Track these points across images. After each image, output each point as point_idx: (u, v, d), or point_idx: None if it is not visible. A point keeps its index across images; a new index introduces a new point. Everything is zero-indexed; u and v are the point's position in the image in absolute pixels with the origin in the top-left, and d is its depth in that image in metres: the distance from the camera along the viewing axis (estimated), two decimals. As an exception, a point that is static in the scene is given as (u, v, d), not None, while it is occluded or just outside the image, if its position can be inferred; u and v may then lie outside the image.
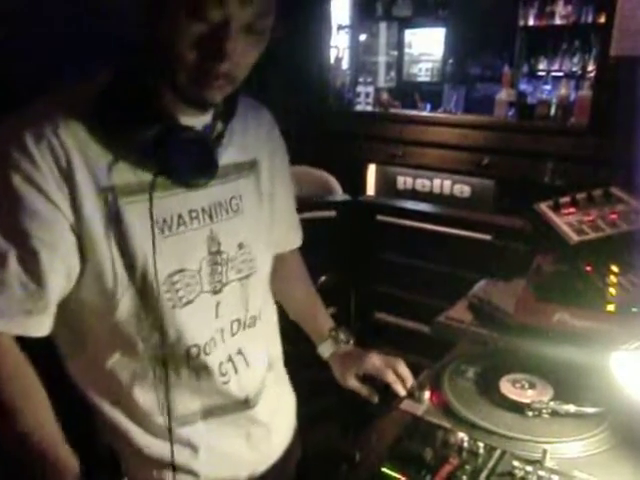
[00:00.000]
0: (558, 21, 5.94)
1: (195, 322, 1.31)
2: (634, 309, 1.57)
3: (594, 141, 3.96)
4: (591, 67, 5.68)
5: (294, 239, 1.73)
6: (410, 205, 3.94)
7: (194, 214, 1.29)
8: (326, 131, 5.10)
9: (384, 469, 1.26)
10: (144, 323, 1.27)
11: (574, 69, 5.97)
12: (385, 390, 1.58)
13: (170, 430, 1.33)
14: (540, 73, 6.18)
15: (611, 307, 1.59)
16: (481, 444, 1.31)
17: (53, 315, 1.22)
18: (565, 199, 1.97)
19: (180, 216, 1.27)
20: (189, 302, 1.29)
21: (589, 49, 5.82)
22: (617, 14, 3.79)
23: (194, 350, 1.32)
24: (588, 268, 1.70)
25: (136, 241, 1.21)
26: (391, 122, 5.25)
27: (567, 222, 1.84)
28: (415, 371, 1.64)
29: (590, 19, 5.71)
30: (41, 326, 1.21)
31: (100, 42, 2.02)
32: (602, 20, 4.81)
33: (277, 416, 1.57)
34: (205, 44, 1.11)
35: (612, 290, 1.62)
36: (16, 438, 1.21)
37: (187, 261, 1.29)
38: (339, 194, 3.89)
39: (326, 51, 5.60)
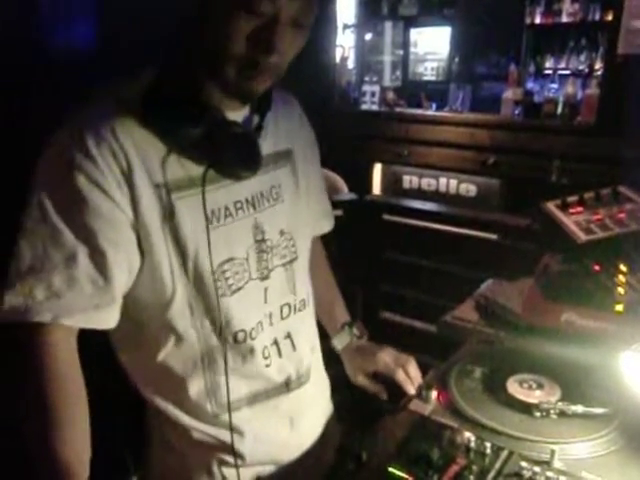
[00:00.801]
0: (565, 19, 5.91)
1: (243, 308, 1.38)
2: (643, 309, 1.56)
3: (601, 140, 3.93)
4: (598, 65, 5.65)
5: (325, 224, 1.79)
6: (416, 204, 3.95)
7: (239, 205, 1.37)
8: (332, 130, 5.09)
9: (391, 469, 1.26)
10: (195, 313, 1.34)
11: (581, 67, 5.94)
12: (395, 388, 1.58)
13: (229, 411, 1.39)
14: (547, 71, 6.15)
15: (619, 307, 1.58)
16: (488, 444, 1.30)
17: (119, 308, 1.29)
18: (573, 198, 1.96)
19: (226, 207, 1.34)
20: (239, 289, 1.37)
21: (596, 47, 5.79)
22: (625, 11, 3.77)
23: (241, 335, 1.38)
24: (596, 267, 1.70)
25: (188, 234, 1.28)
26: (397, 121, 5.23)
27: (575, 221, 1.83)
28: (422, 371, 1.64)
29: (597, 17, 5.68)
30: (109, 319, 1.28)
31: (142, 40, 2.04)
32: (609, 18, 4.78)
33: (317, 399, 1.64)
34: (256, 38, 1.18)
35: (620, 290, 1.61)
36: (45, 449, 1.22)
37: (235, 250, 1.36)
38: (346, 193, 3.89)
39: (331, 50, 5.58)
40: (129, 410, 1.51)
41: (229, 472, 1.44)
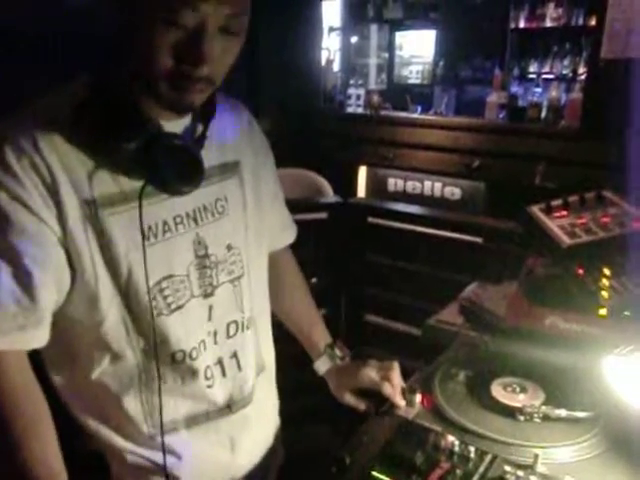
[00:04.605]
0: (549, 23, 5.97)
1: (183, 327, 1.32)
2: (626, 313, 1.57)
3: (585, 144, 3.95)
4: (582, 70, 5.70)
5: (286, 236, 1.74)
6: (401, 207, 3.94)
7: (179, 219, 1.30)
8: (317, 133, 5.09)
9: (374, 472, 1.25)
10: (131, 332, 1.28)
11: (565, 72, 5.99)
12: (384, 401, 1.56)
13: (162, 432, 1.33)
14: (531, 76, 6.20)
15: (603, 311, 1.58)
16: (472, 448, 1.30)
17: (48, 326, 1.22)
18: (557, 202, 1.96)
19: (165, 222, 1.28)
20: (179, 307, 1.31)
21: (580, 51, 5.84)
22: (607, 16, 3.79)
23: (179, 355, 1.33)
24: (580, 271, 1.70)
25: (120, 251, 1.22)
26: (382, 124, 5.24)
27: (559, 225, 1.83)
28: (406, 374, 1.63)
29: (581, 21, 5.74)
30: (36, 339, 1.22)
31: (73, 45, 1.99)
32: (593, 22, 4.82)
33: (261, 420, 1.58)
34: (183, 49, 1.12)
35: (604, 294, 1.61)
36: (18, 463, 1.20)
37: (174, 267, 1.30)
38: (330, 196, 3.88)
39: (317, 53, 5.59)
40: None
41: None
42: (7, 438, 1.18)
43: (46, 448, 1.23)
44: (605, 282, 1.64)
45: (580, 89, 4.50)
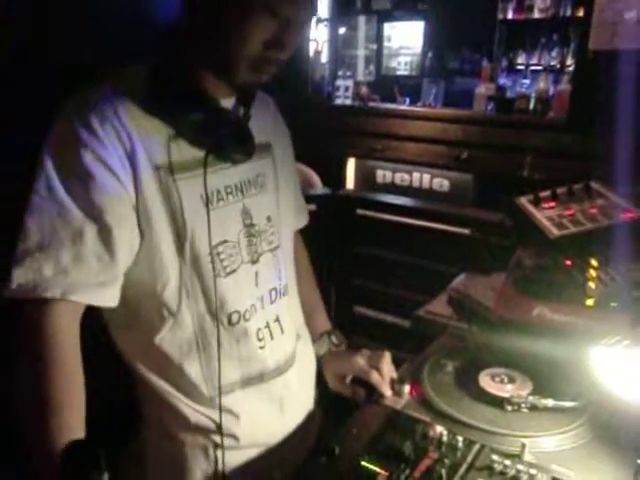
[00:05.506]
0: (537, 15, 5.97)
1: (237, 290, 1.42)
2: (613, 304, 1.58)
3: (573, 135, 3.97)
4: (570, 61, 5.71)
5: (301, 219, 1.83)
6: (390, 199, 3.95)
7: (229, 189, 1.41)
8: (305, 125, 5.08)
9: (363, 462, 1.26)
10: (191, 294, 1.37)
11: (553, 63, 5.99)
12: (373, 390, 1.57)
13: (220, 394, 1.41)
14: (519, 67, 6.19)
15: (590, 301, 1.59)
16: (460, 438, 1.31)
17: (120, 286, 1.31)
18: (545, 193, 1.96)
19: (219, 191, 1.38)
20: (233, 271, 1.41)
21: (568, 43, 5.84)
22: (595, 7, 3.80)
23: (235, 316, 1.41)
24: (568, 262, 1.70)
25: (185, 215, 1.31)
26: (370, 116, 5.24)
27: (547, 216, 1.83)
28: (395, 365, 1.64)
29: (569, 13, 5.74)
30: (112, 297, 1.30)
31: (144, 27, 2.04)
32: (580, 14, 4.83)
33: (302, 382, 1.64)
34: (274, 37, 1.26)
35: (592, 285, 1.62)
36: (42, 432, 1.21)
37: (228, 233, 1.40)
38: (319, 188, 3.88)
39: (305, 44, 5.58)
40: (107, 406, 1.49)
41: (224, 454, 1.45)
42: (44, 398, 1.21)
43: (79, 418, 1.25)
44: (592, 273, 1.65)
45: (568, 80, 4.52)
